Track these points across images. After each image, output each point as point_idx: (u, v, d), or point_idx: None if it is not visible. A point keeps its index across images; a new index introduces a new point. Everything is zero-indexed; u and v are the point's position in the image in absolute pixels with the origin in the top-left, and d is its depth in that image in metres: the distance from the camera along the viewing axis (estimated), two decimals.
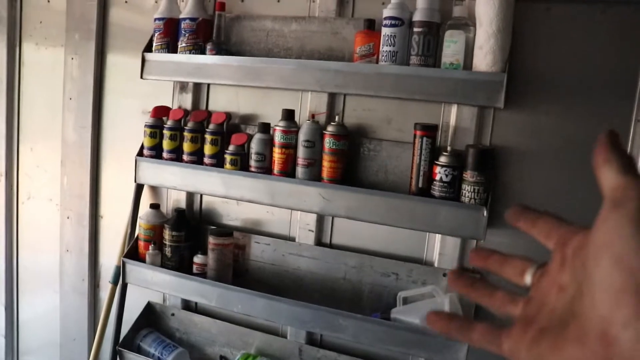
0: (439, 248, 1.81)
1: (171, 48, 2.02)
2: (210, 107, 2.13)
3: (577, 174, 1.66)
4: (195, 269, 2.04)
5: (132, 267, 2.10)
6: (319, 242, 1.99)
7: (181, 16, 1.99)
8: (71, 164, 2.43)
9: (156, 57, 2.02)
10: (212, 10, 2.02)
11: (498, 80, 1.57)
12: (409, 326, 1.71)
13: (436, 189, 1.68)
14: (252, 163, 1.90)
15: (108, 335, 2.25)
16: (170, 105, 2.14)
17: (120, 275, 2.13)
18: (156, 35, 2.02)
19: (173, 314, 2.25)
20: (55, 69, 2.42)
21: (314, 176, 1.83)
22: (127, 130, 2.28)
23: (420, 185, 1.71)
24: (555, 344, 0.38)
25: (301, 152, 1.83)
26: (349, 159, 1.85)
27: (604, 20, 1.62)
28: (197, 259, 2.04)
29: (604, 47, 1.63)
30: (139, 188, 2.20)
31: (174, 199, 2.21)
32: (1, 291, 2.72)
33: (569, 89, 1.67)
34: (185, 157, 2.00)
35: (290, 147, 1.85)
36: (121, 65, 2.31)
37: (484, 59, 1.61)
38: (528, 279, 0.44)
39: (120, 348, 2.11)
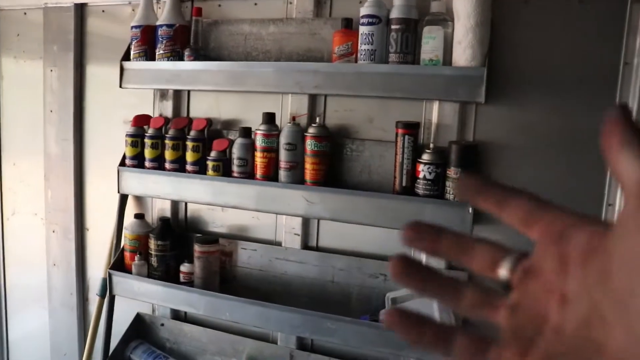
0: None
1: (149, 56, 2.00)
2: (192, 114, 2.11)
3: (562, 167, 1.65)
4: (182, 277, 2.02)
5: (119, 279, 2.07)
6: (305, 246, 1.97)
7: (158, 23, 1.97)
8: (55, 178, 2.40)
9: (134, 65, 2.00)
10: (189, 15, 2.00)
11: (478, 74, 1.56)
12: None
13: (420, 187, 1.66)
14: (235, 168, 1.87)
15: (98, 348, 2.22)
16: (151, 114, 2.11)
17: (107, 287, 2.11)
18: (134, 43, 2.00)
19: (163, 324, 2.22)
20: (35, 82, 2.39)
21: (297, 179, 1.80)
22: (109, 140, 2.26)
23: (404, 184, 1.69)
24: None
25: (283, 155, 1.81)
26: (331, 161, 1.83)
27: (583, 10, 1.60)
28: (184, 267, 2.01)
29: (583, 37, 1.62)
30: (123, 198, 2.17)
31: (159, 208, 2.18)
32: None
33: (551, 82, 1.66)
34: (167, 165, 1.98)
35: (271, 151, 1.83)
36: (101, 75, 2.29)
37: (463, 53, 1.59)
38: (504, 272, 0.35)
39: None
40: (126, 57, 2.02)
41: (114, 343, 2.15)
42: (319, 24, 1.87)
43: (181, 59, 1.95)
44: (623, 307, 0.27)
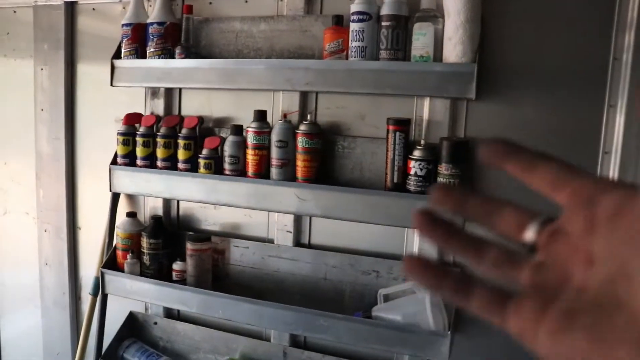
0: (419, 243, 1.80)
1: (140, 54, 1.99)
2: (183, 112, 2.10)
3: None
4: (174, 276, 2.02)
5: (111, 278, 2.07)
6: (297, 243, 1.97)
7: (149, 21, 1.96)
8: (46, 177, 2.39)
9: (125, 63, 1.99)
10: (180, 13, 2.00)
11: (468, 71, 1.56)
12: (391, 324, 1.69)
13: (411, 184, 1.66)
14: (226, 166, 1.87)
15: (91, 347, 2.22)
16: (142, 112, 2.11)
17: (99, 286, 2.10)
18: (124, 41, 2.00)
19: (156, 323, 2.22)
20: (25, 81, 2.38)
21: (289, 176, 1.80)
22: (101, 139, 2.25)
23: (395, 180, 1.69)
24: (595, 336, 0.29)
25: (274, 152, 1.81)
26: (323, 158, 1.83)
27: (572, 6, 1.61)
28: (176, 265, 2.01)
29: (573, 33, 1.62)
30: (115, 197, 2.17)
31: (151, 207, 2.18)
32: None
33: (541, 78, 1.66)
34: (159, 163, 1.97)
35: (263, 148, 1.82)
36: (92, 73, 2.28)
37: (454, 50, 1.59)
38: (530, 235, 0.35)
39: None
40: (117, 55, 2.01)
41: (106, 342, 2.14)
42: (310, 21, 1.86)
43: (172, 56, 1.94)
44: None
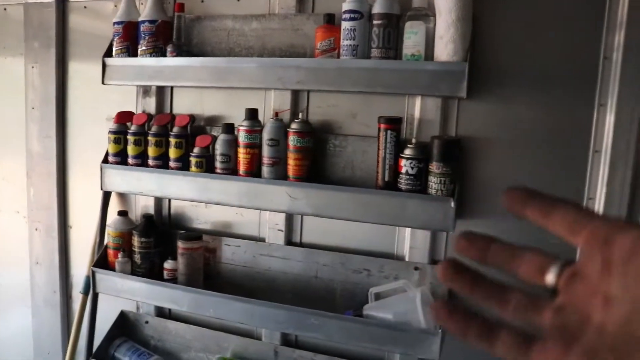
0: (409, 242, 1.80)
1: (131, 52, 1.98)
2: (175, 110, 2.10)
3: (543, 161, 1.66)
4: (165, 274, 2.01)
5: (102, 276, 2.06)
6: (289, 242, 1.97)
7: (140, 19, 1.96)
8: (37, 175, 2.38)
9: (116, 61, 1.98)
10: (172, 11, 1.99)
11: (460, 69, 1.56)
12: (382, 322, 1.69)
13: (402, 182, 1.66)
14: (218, 165, 1.87)
15: (82, 346, 2.21)
16: (134, 110, 2.10)
17: (90, 285, 2.10)
18: (116, 39, 1.99)
19: (147, 322, 2.21)
20: (16, 79, 2.37)
21: (280, 175, 1.80)
22: (92, 138, 2.24)
23: (386, 179, 1.69)
24: None
25: (266, 151, 1.80)
26: (314, 156, 1.83)
27: (563, 4, 1.61)
28: (167, 264, 2.00)
29: (564, 32, 1.63)
30: (106, 196, 2.16)
31: (143, 205, 2.17)
32: None
33: (532, 76, 1.66)
34: (150, 161, 1.97)
35: (254, 147, 1.82)
36: (83, 71, 2.27)
37: (445, 48, 1.60)
38: (551, 278, 0.36)
39: (93, 359, 2.07)
40: (108, 53, 2.00)
41: (97, 341, 2.14)
42: (302, 20, 1.86)
43: (164, 55, 1.93)
44: None
